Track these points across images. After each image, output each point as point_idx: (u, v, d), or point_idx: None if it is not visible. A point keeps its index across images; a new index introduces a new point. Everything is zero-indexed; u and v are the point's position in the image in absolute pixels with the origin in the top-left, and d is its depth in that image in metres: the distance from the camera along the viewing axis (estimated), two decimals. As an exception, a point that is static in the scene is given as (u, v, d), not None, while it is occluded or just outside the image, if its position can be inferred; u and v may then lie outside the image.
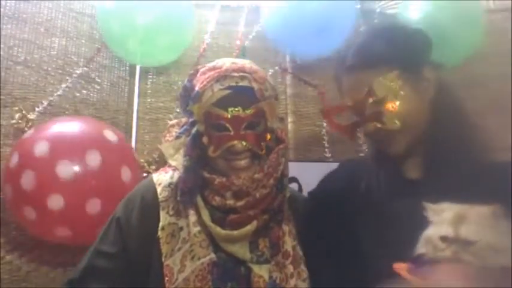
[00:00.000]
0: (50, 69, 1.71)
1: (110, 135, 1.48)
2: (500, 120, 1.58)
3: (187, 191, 0.88)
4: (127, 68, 1.96)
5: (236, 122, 0.86)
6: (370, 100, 0.84)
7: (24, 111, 1.59)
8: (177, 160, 0.93)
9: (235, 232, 0.85)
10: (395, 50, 0.86)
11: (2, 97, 1.55)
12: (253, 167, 0.88)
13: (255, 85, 0.88)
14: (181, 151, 0.93)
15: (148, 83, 1.98)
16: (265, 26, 1.86)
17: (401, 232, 0.73)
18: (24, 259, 1.54)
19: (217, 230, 0.85)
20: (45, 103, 1.65)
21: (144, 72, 1.98)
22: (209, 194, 0.88)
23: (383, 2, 2.02)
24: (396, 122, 0.83)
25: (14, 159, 1.39)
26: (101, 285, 0.87)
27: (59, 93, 1.70)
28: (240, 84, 0.87)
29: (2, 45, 1.56)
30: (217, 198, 0.87)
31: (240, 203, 0.86)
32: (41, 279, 1.56)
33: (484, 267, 0.59)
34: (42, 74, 1.68)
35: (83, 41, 1.83)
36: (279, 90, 1.99)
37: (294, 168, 1.70)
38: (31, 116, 1.61)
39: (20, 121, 1.57)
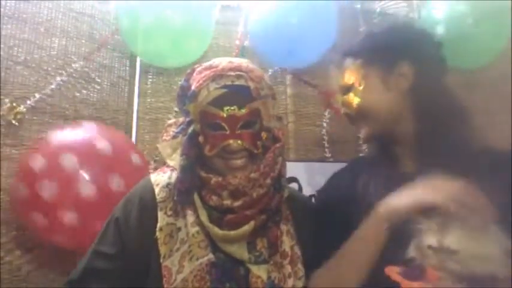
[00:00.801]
0: (50, 69, 1.71)
1: (136, 159, 1.49)
2: (501, 120, 1.59)
3: (184, 191, 0.88)
4: (127, 68, 1.96)
5: (232, 121, 0.86)
6: (342, 86, 0.95)
7: (14, 104, 1.57)
8: (175, 160, 0.94)
9: (232, 232, 0.85)
10: (372, 42, 0.95)
11: (2, 97, 1.54)
12: (250, 167, 0.88)
13: (251, 84, 0.88)
14: (179, 151, 0.93)
15: (148, 83, 1.98)
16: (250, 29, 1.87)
17: (395, 232, 0.73)
18: (24, 259, 1.54)
19: (215, 230, 0.85)
20: (38, 96, 1.64)
21: (144, 72, 1.98)
22: (206, 193, 0.88)
23: (383, 2, 2.02)
24: (352, 108, 0.92)
25: (37, 163, 1.37)
26: (101, 286, 0.88)
27: (52, 86, 1.68)
28: (236, 83, 0.87)
29: (2, 45, 1.56)
30: (214, 198, 0.87)
31: (237, 203, 0.86)
32: (41, 280, 1.56)
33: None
34: (42, 74, 1.68)
35: (83, 41, 1.83)
36: (279, 90, 2.01)
37: (294, 168, 1.72)
38: (21, 109, 1.59)
39: (9, 113, 1.56)
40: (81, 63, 1.79)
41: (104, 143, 1.44)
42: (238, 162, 0.88)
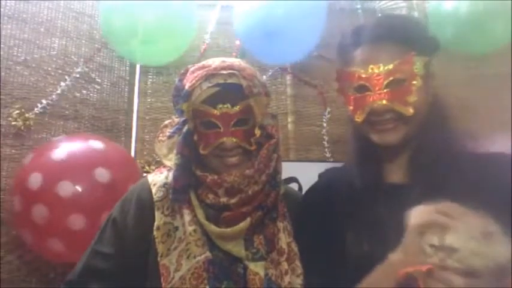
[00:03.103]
0: (50, 69, 1.71)
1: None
2: (500, 120, 1.58)
3: (179, 189, 0.89)
4: (127, 68, 1.97)
5: (225, 118, 0.87)
6: (391, 78, 0.79)
7: (23, 109, 1.58)
8: (171, 160, 0.94)
9: (229, 229, 0.85)
10: (421, 34, 0.83)
11: (2, 97, 1.55)
12: (245, 164, 0.89)
13: (243, 82, 0.88)
14: (174, 150, 0.93)
15: (149, 83, 1.98)
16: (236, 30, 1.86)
17: (383, 237, 0.72)
18: (24, 259, 1.54)
19: (212, 227, 0.86)
20: (45, 102, 1.65)
21: (144, 72, 1.98)
22: (203, 192, 0.89)
23: (383, 2, 2.02)
24: (410, 108, 0.78)
25: (35, 181, 1.36)
26: (99, 286, 0.88)
27: (58, 92, 1.70)
28: (229, 81, 0.88)
29: (2, 45, 1.56)
30: (211, 196, 0.88)
31: (233, 200, 0.86)
32: (41, 280, 1.56)
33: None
34: (42, 74, 1.68)
35: (83, 41, 1.83)
36: (279, 90, 2.01)
37: (294, 168, 1.71)
38: (30, 115, 1.60)
39: (18, 119, 1.57)
40: (86, 68, 1.80)
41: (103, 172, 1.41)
42: (233, 159, 0.88)
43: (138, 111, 1.95)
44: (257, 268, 0.85)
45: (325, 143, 1.97)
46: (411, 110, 0.78)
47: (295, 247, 0.90)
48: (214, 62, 0.90)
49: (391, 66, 0.79)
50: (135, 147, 1.92)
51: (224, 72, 0.88)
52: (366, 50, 0.83)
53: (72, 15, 1.80)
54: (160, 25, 1.68)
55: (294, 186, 1.67)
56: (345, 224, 0.83)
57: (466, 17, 1.62)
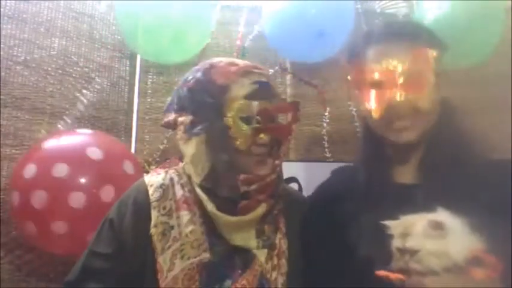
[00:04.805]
0: (50, 69, 1.71)
1: (129, 167, 1.47)
2: (500, 120, 1.58)
3: (233, 186, 0.87)
4: (127, 68, 1.97)
5: (265, 114, 0.89)
6: (407, 73, 0.78)
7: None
8: (195, 157, 0.89)
9: (246, 217, 0.86)
10: (426, 31, 0.84)
11: (2, 97, 1.55)
12: (273, 155, 0.91)
13: (270, 82, 0.93)
14: (201, 148, 0.88)
15: (149, 83, 1.98)
16: (264, 28, 1.87)
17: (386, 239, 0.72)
18: (24, 259, 1.54)
19: (226, 218, 0.86)
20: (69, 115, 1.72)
21: (144, 72, 1.98)
22: (218, 186, 0.87)
23: (383, 2, 2.02)
24: (427, 103, 0.78)
25: (30, 171, 1.37)
26: (97, 286, 0.88)
27: (80, 106, 1.76)
28: (262, 79, 0.91)
29: (2, 45, 1.56)
30: (226, 189, 0.87)
31: (253, 187, 0.87)
32: (41, 280, 1.56)
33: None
34: (42, 74, 1.68)
35: (83, 41, 1.83)
36: (279, 90, 2.01)
37: (294, 168, 1.72)
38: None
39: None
40: (86, 69, 1.81)
41: (95, 151, 1.42)
42: (264, 155, 0.90)
43: (138, 111, 1.95)
44: (260, 255, 0.87)
45: (325, 143, 1.97)
46: (428, 104, 0.78)
47: (284, 245, 0.91)
48: (235, 60, 0.94)
49: (406, 62, 0.79)
50: (135, 147, 1.92)
51: (256, 70, 0.91)
52: (381, 48, 0.83)
53: (72, 15, 1.80)
54: (188, 21, 1.71)
55: (294, 186, 1.67)
56: (353, 223, 0.83)
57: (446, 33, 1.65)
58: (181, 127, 0.91)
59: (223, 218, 0.86)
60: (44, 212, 1.33)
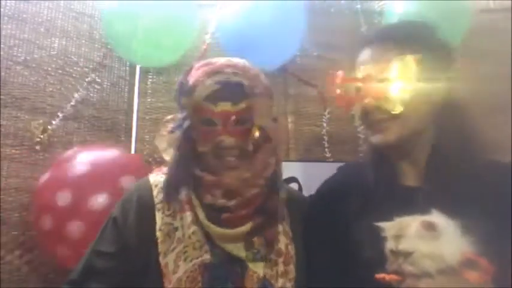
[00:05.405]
0: (50, 69, 1.71)
1: None
2: (500, 120, 1.58)
3: (172, 186, 0.89)
4: (127, 68, 1.97)
5: (225, 116, 0.86)
6: (380, 77, 0.80)
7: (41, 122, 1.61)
8: (170, 154, 0.94)
9: (230, 231, 0.86)
10: (427, 38, 0.83)
11: (2, 97, 1.55)
12: (242, 166, 0.88)
13: (245, 81, 0.88)
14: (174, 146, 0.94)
15: (148, 83, 1.98)
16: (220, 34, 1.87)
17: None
18: (24, 259, 1.54)
19: (213, 228, 0.86)
20: (61, 114, 1.70)
21: (144, 72, 1.98)
22: (201, 192, 0.89)
23: (383, 2, 2.02)
24: (398, 107, 0.78)
25: (64, 199, 1.35)
26: (101, 285, 0.88)
27: (72, 103, 1.74)
28: (232, 79, 0.87)
29: (2, 45, 1.56)
30: (209, 197, 0.88)
31: (231, 203, 0.86)
32: (41, 280, 1.56)
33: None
34: (42, 74, 1.68)
35: (83, 41, 1.83)
36: (279, 90, 2.01)
37: (294, 168, 1.72)
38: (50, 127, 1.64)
39: (41, 136, 1.61)
40: (93, 75, 1.83)
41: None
42: (231, 160, 0.87)
43: (138, 111, 1.94)
44: (256, 268, 0.86)
45: (325, 143, 1.97)
46: (399, 108, 0.78)
47: (292, 250, 0.90)
48: (220, 60, 0.91)
49: (381, 66, 0.80)
50: (135, 147, 1.92)
51: (228, 70, 0.88)
52: (366, 51, 0.84)
53: (72, 15, 1.80)
54: (160, 26, 1.68)
55: (294, 186, 1.67)
56: (353, 222, 0.83)
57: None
58: (168, 125, 0.97)
59: (211, 227, 0.86)
60: (80, 241, 1.31)
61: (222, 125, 0.86)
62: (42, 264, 1.56)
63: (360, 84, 0.82)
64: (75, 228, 1.32)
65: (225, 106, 0.86)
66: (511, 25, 1.68)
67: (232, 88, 0.87)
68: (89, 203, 1.33)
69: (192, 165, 0.90)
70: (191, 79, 0.89)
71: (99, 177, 1.40)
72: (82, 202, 1.34)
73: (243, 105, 0.87)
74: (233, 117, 0.86)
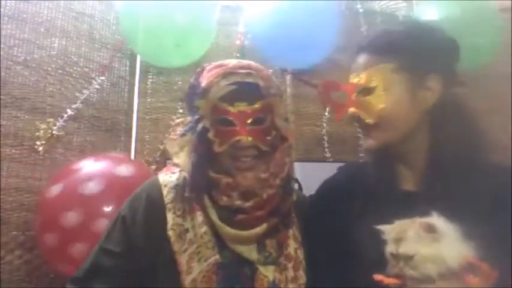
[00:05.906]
0: (50, 69, 1.71)
1: None
2: (500, 120, 1.58)
3: (196, 188, 0.88)
4: (127, 68, 1.97)
5: (242, 116, 0.86)
6: (361, 86, 0.84)
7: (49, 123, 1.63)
8: (181, 158, 0.93)
9: (244, 232, 0.85)
10: (406, 46, 0.84)
11: (2, 97, 1.55)
12: (259, 167, 0.88)
13: (260, 82, 0.88)
14: (186, 149, 0.93)
15: (148, 83, 1.98)
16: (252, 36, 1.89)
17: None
18: (24, 259, 1.54)
19: (226, 229, 0.86)
20: (65, 116, 1.71)
21: (144, 72, 1.98)
22: (216, 193, 0.88)
23: (383, 2, 2.02)
24: (372, 117, 0.82)
25: (71, 219, 1.32)
26: (106, 285, 0.87)
27: (77, 105, 1.74)
28: (246, 80, 0.88)
29: (2, 45, 1.56)
30: (225, 198, 0.87)
31: (248, 204, 0.86)
32: (41, 280, 1.56)
33: None
34: (42, 74, 1.68)
35: (83, 41, 1.83)
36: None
37: (294, 168, 1.71)
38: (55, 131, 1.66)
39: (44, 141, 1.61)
40: (102, 78, 1.84)
41: None
42: (247, 161, 0.88)
43: (138, 111, 1.94)
44: (267, 271, 0.85)
45: (325, 143, 1.97)
46: (373, 119, 0.82)
47: (301, 255, 0.90)
48: (231, 61, 0.91)
49: (361, 76, 0.84)
50: (135, 147, 1.92)
51: (242, 71, 0.88)
52: (356, 60, 0.88)
53: (72, 15, 1.80)
54: (188, 25, 1.69)
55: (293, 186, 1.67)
56: (352, 223, 0.83)
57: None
58: (178, 128, 0.96)
59: (224, 228, 0.86)
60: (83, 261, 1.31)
61: (239, 125, 0.86)
62: (42, 264, 1.55)
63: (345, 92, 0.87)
64: (79, 249, 1.29)
65: (241, 106, 0.87)
66: (511, 25, 1.68)
67: (247, 88, 0.87)
68: (96, 225, 1.30)
69: (207, 167, 0.89)
70: (204, 81, 0.89)
71: (110, 201, 1.36)
72: (89, 224, 1.31)
73: (258, 105, 0.88)
74: (250, 118, 0.87)
